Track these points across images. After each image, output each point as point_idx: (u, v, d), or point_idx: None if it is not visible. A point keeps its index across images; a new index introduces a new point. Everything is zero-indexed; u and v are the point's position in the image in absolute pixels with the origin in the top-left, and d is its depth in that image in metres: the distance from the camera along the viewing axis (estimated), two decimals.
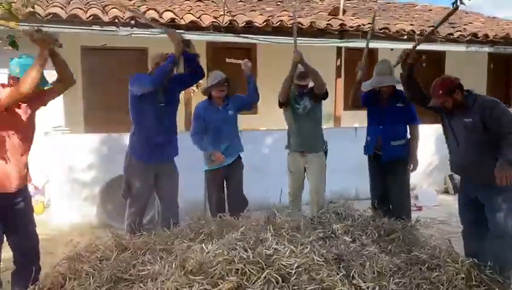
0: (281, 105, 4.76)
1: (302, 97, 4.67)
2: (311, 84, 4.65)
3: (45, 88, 3.27)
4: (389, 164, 4.46)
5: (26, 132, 3.24)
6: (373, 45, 7.39)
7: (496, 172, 3.21)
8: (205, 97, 4.77)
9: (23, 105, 3.17)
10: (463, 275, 2.82)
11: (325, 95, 4.68)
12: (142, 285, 2.65)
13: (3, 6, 2.31)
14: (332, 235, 3.25)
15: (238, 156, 4.74)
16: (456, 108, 3.45)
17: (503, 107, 3.39)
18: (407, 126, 4.58)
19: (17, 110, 3.13)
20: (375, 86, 4.45)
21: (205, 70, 7.45)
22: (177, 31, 6.01)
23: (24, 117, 3.20)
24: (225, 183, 4.73)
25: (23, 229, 3.28)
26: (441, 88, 3.41)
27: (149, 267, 2.80)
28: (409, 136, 4.62)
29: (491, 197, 3.41)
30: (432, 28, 7.50)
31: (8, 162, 3.08)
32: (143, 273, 2.78)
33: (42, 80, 3.12)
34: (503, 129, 3.25)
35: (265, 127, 6.88)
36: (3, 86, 3.16)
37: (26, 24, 5.25)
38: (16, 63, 3.10)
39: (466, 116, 3.39)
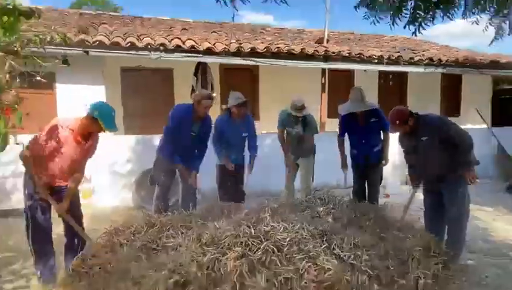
0: None
1: (297, 123, 4.67)
2: (305, 112, 4.63)
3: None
4: (370, 164, 4.47)
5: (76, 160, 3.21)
6: (351, 66, 7.41)
7: (464, 175, 3.27)
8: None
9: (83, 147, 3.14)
10: (420, 247, 2.81)
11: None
12: (166, 254, 2.64)
13: (59, 35, 2.29)
14: (318, 216, 3.22)
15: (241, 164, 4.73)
16: (411, 131, 3.45)
17: (448, 122, 3.39)
18: (381, 134, 4.52)
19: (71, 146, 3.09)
20: (352, 111, 4.36)
21: (218, 86, 7.53)
22: (196, 55, 6.06)
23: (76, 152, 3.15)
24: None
25: (72, 210, 3.25)
26: (398, 119, 3.40)
27: (172, 240, 2.79)
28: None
29: (450, 188, 3.41)
30: (397, 53, 7.54)
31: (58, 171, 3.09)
32: (167, 244, 2.77)
33: (112, 123, 3.04)
34: (455, 141, 3.27)
35: (265, 130, 6.85)
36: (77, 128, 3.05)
37: (79, 49, 5.32)
38: (96, 106, 2.99)
39: (422, 136, 3.38)
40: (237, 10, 1.95)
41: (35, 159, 2.98)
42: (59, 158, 3.04)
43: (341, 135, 4.65)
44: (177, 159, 3.97)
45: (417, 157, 3.59)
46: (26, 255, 3.74)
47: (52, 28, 2.53)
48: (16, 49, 1.92)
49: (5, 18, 1.57)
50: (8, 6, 1.57)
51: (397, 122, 3.40)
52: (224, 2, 1.88)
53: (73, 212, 3.28)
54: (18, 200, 5.61)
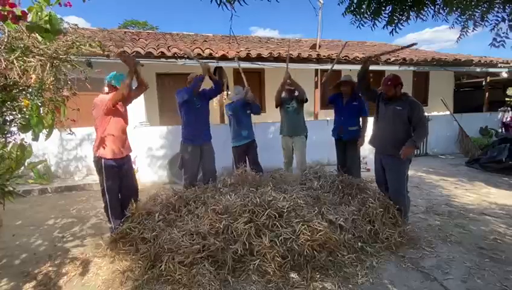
0: (276, 106, 4.58)
1: (292, 100, 4.44)
2: (297, 92, 4.40)
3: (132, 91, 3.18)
4: (348, 142, 4.22)
5: (125, 119, 3.18)
6: (338, 67, 7.11)
7: (403, 148, 3.01)
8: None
9: (120, 103, 3.08)
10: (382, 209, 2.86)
11: (306, 100, 4.44)
12: (191, 222, 2.56)
13: (91, 45, 2.14)
14: (311, 188, 3.10)
15: (253, 140, 4.46)
16: (393, 98, 3.20)
17: (422, 109, 3.13)
18: (360, 117, 4.28)
19: (118, 106, 3.06)
20: (342, 80, 4.20)
21: (232, 85, 7.36)
22: (212, 60, 5.87)
23: (122, 110, 3.15)
24: (247, 155, 4.44)
25: (128, 180, 3.19)
26: (390, 80, 3.17)
27: (195, 210, 2.71)
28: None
29: (388, 163, 3.21)
30: (376, 54, 7.21)
31: (116, 139, 3.03)
32: (191, 213, 2.69)
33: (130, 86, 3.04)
34: (418, 124, 3.04)
35: (271, 120, 6.68)
36: (107, 93, 3.09)
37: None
38: (112, 76, 3.05)
39: (398, 105, 3.14)
40: (235, 11, 1.78)
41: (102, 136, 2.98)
42: (112, 123, 3.02)
43: (328, 100, 4.42)
44: (199, 78, 3.82)
45: (382, 122, 3.31)
46: (83, 221, 3.75)
47: (94, 38, 2.31)
48: (59, 55, 1.81)
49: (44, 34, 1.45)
50: (47, 26, 1.44)
51: (389, 82, 3.17)
52: (224, 4, 1.72)
53: (131, 183, 3.22)
54: (79, 178, 5.67)
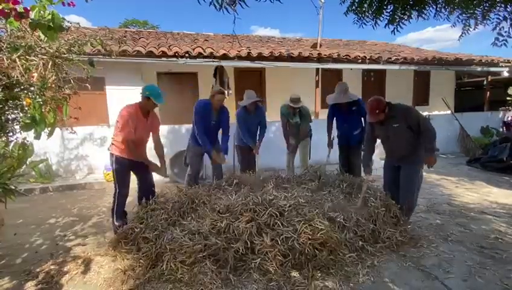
0: None
1: (295, 114, 4.47)
2: (301, 104, 4.40)
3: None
4: (351, 146, 4.22)
5: (145, 132, 3.21)
6: (340, 66, 7.12)
7: (425, 160, 2.99)
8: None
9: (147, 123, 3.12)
10: (384, 209, 2.87)
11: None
12: (193, 221, 2.56)
13: (92, 44, 2.14)
14: (312, 187, 3.10)
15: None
16: (385, 118, 3.12)
17: (415, 113, 3.07)
18: (362, 119, 4.26)
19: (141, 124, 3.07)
20: (336, 102, 4.12)
21: (233, 84, 7.36)
22: (214, 59, 5.87)
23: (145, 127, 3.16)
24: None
25: (146, 176, 3.32)
26: (377, 108, 3.05)
27: (197, 209, 2.71)
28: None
29: (405, 165, 3.18)
30: (377, 54, 7.21)
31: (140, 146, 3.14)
32: (193, 212, 2.70)
33: (160, 99, 3.02)
34: (421, 128, 2.98)
35: (270, 119, 6.67)
36: (140, 104, 3.07)
37: (121, 58, 5.20)
38: (147, 88, 3.04)
39: (394, 123, 3.08)
40: (237, 14, 1.78)
41: (128, 142, 3.00)
42: (139, 133, 3.05)
43: (329, 119, 4.40)
44: (210, 147, 3.84)
45: (387, 142, 3.27)
46: (85, 219, 3.76)
47: (95, 36, 2.31)
48: (61, 54, 1.81)
49: (47, 31, 1.46)
50: (49, 24, 1.45)
51: (377, 111, 3.05)
52: (226, 9, 1.71)
53: (147, 177, 3.34)
54: (80, 177, 5.68)
